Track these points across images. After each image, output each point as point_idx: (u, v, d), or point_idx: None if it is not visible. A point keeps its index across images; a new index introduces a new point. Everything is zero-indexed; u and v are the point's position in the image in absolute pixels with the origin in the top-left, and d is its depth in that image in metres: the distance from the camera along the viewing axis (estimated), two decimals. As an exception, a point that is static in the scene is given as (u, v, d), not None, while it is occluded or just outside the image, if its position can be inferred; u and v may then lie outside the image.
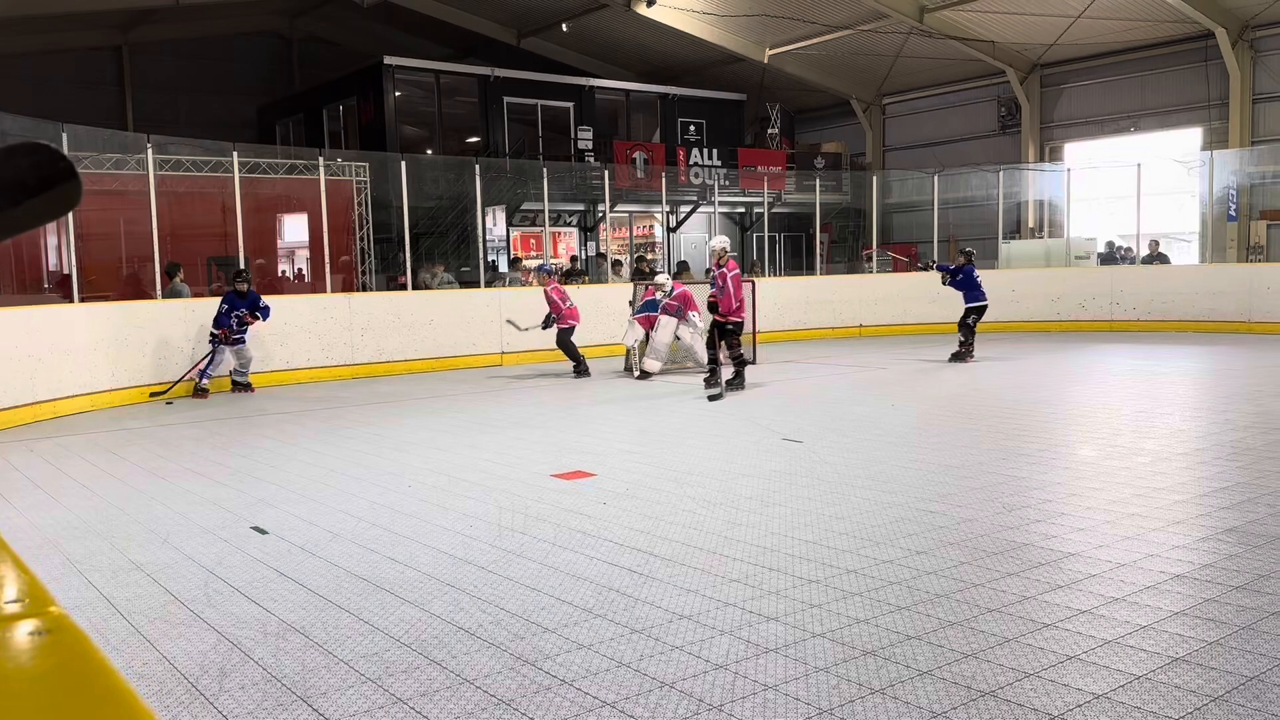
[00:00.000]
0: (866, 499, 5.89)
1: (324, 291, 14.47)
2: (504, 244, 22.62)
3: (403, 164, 14.76)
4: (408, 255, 14.92)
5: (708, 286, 11.45)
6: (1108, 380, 12.05)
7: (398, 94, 22.66)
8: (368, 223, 16.68)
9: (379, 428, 9.34)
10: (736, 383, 11.13)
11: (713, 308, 11.00)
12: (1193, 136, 21.62)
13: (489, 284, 17.29)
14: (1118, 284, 18.22)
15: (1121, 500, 5.74)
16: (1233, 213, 20.36)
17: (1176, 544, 4.84)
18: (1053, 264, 20.28)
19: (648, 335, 12.87)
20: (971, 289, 13.56)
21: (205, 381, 11.74)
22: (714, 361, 11.17)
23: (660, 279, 13.38)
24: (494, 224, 21.70)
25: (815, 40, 24.13)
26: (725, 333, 10.99)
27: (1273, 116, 20.35)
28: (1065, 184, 22.25)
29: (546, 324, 13.08)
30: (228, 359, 12.02)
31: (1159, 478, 6.31)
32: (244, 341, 12.01)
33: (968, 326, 13.53)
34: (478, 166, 15.86)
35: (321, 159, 14.73)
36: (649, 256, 21.68)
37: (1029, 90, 24.17)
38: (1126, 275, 18.77)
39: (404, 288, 15.53)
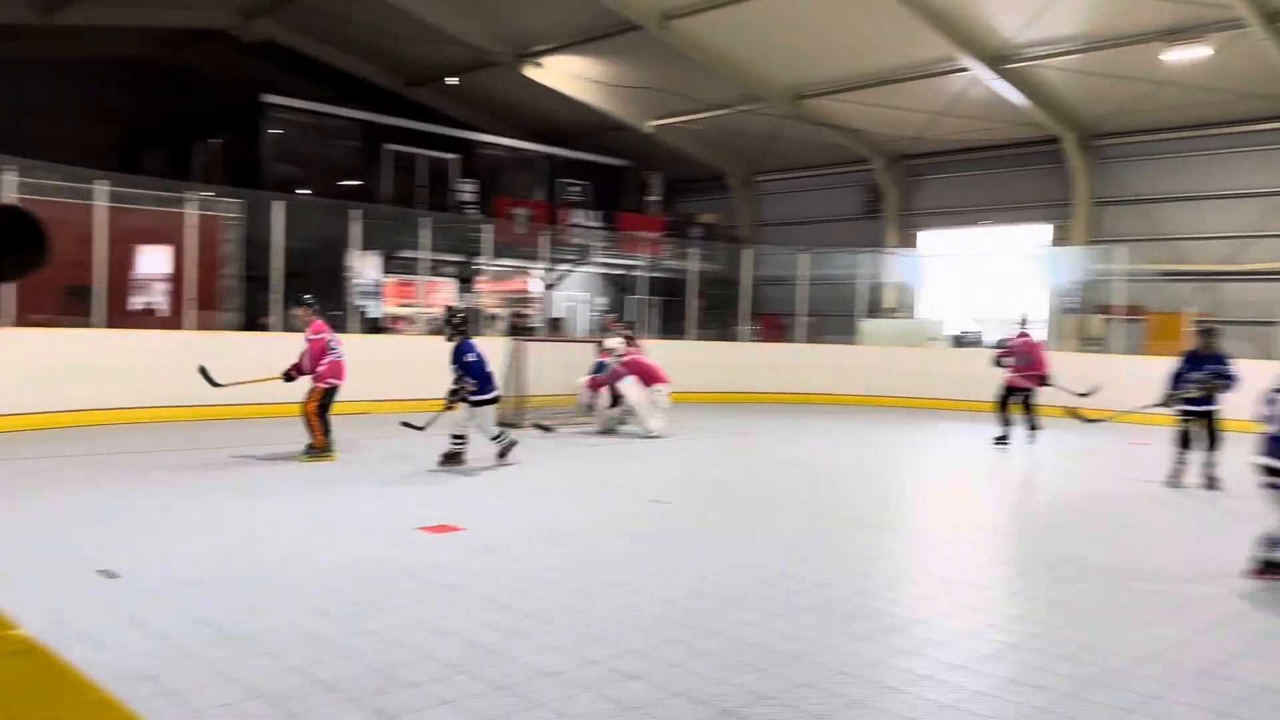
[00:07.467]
0: (727, 563, 6.06)
1: (180, 328, 13.95)
2: (376, 290, 22.30)
3: (278, 204, 14.47)
4: (280, 296, 14.56)
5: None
6: (955, 455, 12.69)
7: (275, 132, 22.24)
8: (237, 260, 16.21)
9: (239, 473, 9.04)
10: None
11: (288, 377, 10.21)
12: (1044, 231, 23.22)
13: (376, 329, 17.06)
14: (967, 364, 19.26)
15: (964, 571, 6.09)
16: (1074, 305, 21.95)
17: (1014, 614, 5.17)
18: (908, 343, 21.39)
19: (614, 397, 13.23)
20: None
21: None
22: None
23: (611, 343, 13.62)
24: (369, 270, 21.42)
25: (696, 116, 24.95)
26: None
27: (1113, 218, 22.05)
28: (921, 269, 23.56)
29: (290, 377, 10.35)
30: None
31: (999, 550, 6.72)
32: None
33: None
34: (356, 211, 15.71)
35: (194, 192, 14.29)
36: (524, 312, 21.81)
37: (892, 178, 25.54)
38: (975, 356, 19.87)
39: (265, 328, 15.11)
